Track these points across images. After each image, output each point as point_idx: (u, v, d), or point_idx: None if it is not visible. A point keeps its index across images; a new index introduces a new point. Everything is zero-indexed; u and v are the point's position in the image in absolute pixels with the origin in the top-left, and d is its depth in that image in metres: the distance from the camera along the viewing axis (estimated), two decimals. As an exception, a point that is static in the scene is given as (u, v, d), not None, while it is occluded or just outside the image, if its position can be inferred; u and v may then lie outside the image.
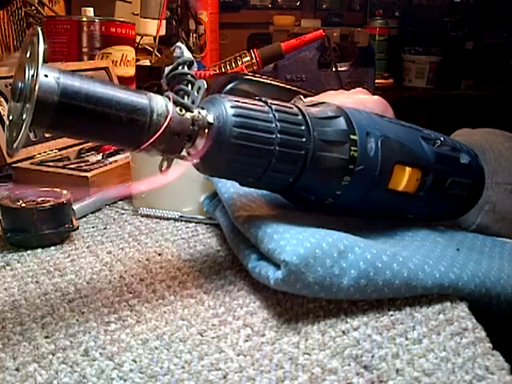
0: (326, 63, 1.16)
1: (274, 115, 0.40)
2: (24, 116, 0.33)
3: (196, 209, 0.58)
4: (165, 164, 0.40)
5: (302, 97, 0.49)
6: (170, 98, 0.38)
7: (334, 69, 1.16)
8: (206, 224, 0.57)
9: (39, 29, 0.34)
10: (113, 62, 0.94)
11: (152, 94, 0.38)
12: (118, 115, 0.35)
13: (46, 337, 0.36)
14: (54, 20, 0.96)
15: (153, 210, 0.59)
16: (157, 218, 0.59)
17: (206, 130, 0.38)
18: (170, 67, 0.40)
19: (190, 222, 0.58)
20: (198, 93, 0.39)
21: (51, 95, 0.33)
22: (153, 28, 1.18)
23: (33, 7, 1.20)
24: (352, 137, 0.43)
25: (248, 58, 1.02)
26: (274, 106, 0.41)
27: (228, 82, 0.81)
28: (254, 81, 0.82)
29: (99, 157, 0.70)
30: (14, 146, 0.34)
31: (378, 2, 2.14)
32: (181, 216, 0.58)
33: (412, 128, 0.49)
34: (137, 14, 1.18)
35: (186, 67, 0.40)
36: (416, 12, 2.11)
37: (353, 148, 0.42)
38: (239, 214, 0.45)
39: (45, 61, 0.33)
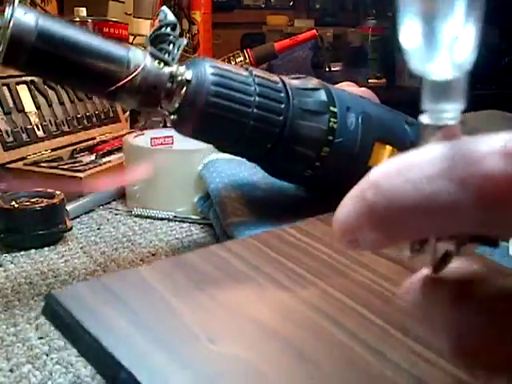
0: (319, 63, 1.17)
1: (254, 79, 0.41)
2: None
3: (190, 209, 0.58)
4: (143, 121, 0.42)
5: None
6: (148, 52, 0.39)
7: (327, 69, 1.16)
8: (199, 224, 0.57)
9: None
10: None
11: (132, 47, 0.39)
12: (93, 63, 0.37)
13: (40, 338, 0.36)
14: (46, 20, 0.96)
15: (146, 210, 0.59)
16: (151, 218, 0.59)
17: (185, 88, 0.39)
18: (154, 28, 0.42)
19: (184, 222, 0.58)
20: (177, 50, 0.40)
21: (28, 34, 0.34)
22: (146, 28, 1.17)
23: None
24: (332, 109, 0.43)
25: (241, 58, 1.02)
26: (254, 72, 0.42)
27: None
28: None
29: (93, 157, 0.69)
30: None
31: (371, 2, 2.15)
32: (175, 216, 0.58)
33: (396, 113, 0.49)
34: (130, 14, 1.18)
35: (169, 29, 0.41)
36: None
37: (332, 119, 0.43)
38: (230, 220, 0.45)
39: None
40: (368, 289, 0.29)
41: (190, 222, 0.57)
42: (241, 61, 1.02)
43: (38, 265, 0.47)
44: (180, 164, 0.59)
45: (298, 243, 0.34)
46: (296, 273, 0.30)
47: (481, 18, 0.14)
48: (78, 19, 0.93)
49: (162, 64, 0.39)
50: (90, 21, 0.93)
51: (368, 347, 0.24)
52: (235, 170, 0.53)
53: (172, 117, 0.40)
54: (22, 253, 0.49)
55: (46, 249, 0.50)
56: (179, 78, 0.39)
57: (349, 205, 0.14)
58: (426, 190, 0.12)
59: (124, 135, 0.69)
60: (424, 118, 0.14)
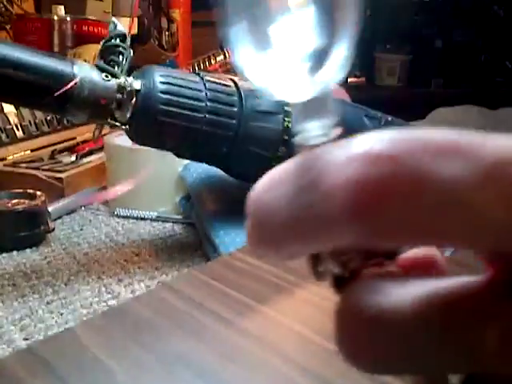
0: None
1: (205, 84, 0.42)
2: None
3: (172, 208, 0.58)
4: (96, 132, 0.43)
5: None
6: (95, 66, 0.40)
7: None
8: (182, 223, 0.57)
9: None
10: (85, 61, 0.93)
11: (78, 61, 0.40)
12: (36, 80, 0.37)
13: (25, 339, 0.36)
14: (24, 18, 0.95)
15: (129, 210, 0.59)
16: (133, 218, 0.59)
17: (135, 98, 0.40)
18: (104, 40, 0.42)
19: (167, 221, 0.58)
20: (126, 61, 0.41)
21: None
22: (125, 26, 1.17)
23: (1, 5, 1.18)
24: (287, 108, 0.44)
25: (221, 57, 1.03)
26: (205, 77, 0.42)
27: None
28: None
29: (73, 158, 0.69)
30: None
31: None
32: (157, 216, 0.58)
33: (356, 107, 0.51)
34: (109, 12, 1.17)
35: (118, 40, 0.42)
36: (387, 11, 2.14)
37: (287, 119, 0.43)
38: (207, 214, 0.46)
39: None
40: (316, 308, 0.28)
41: (172, 222, 0.58)
42: (221, 59, 1.02)
43: (21, 266, 0.47)
44: (161, 164, 0.59)
45: (246, 268, 0.33)
46: (242, 303, 0.29)
47: (353, 33, 0.12)
48: (56, 17, 0.92)
49: (110, 76, 0.39)
50: (68, 19, 0.93)
51: (313, 375, 0.23)
52: (213, 168, 0.53)
53: (125, 127, 0.41)
54: (4, 255, 0.49)
55: (29, 250, 0.50)
56: (128, 89, 0.39)
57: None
58: (292, 205, 0.11)
59: (105, 135, 0.69)
60: (296, 140, 0.13)
